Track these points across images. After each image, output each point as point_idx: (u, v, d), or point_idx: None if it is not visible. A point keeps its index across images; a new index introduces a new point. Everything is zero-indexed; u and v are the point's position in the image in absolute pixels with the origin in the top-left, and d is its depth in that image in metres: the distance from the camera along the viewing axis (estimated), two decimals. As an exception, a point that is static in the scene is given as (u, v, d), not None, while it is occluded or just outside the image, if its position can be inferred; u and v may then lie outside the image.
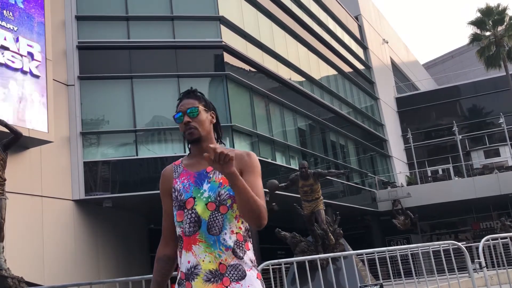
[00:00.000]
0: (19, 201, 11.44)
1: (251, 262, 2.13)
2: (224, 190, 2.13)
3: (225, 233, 2.09)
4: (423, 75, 49.34)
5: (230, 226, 2.11)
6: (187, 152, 2.34)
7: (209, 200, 2.12)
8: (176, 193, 2.19)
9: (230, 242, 2.09)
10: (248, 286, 2.06)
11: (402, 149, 35.55)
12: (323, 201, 10.99)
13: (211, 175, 2.17)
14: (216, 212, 2.10)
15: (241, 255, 2.10)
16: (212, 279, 2.04)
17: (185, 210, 2.13)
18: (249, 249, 2.15)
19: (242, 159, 2.20)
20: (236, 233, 2.12)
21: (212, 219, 2.10)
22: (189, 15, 16.77)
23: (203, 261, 2.06)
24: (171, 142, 15.74)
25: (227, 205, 2.12)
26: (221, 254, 2.07)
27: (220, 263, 2.06)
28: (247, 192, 2.01)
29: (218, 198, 2.11)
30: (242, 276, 2.07)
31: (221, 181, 2.14)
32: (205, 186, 2.15)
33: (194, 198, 2.13)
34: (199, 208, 2.11)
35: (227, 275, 2.05)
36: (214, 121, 2.32)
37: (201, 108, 2.26)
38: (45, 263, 12.42)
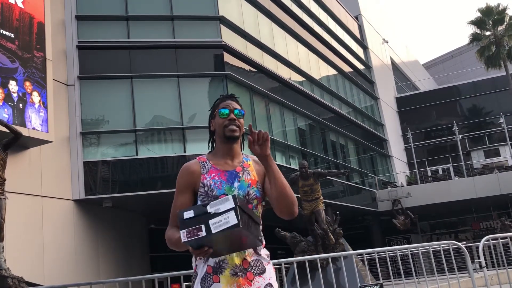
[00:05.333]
0: (19, 201, 11.43)
1: (267, 256, 2.33)
2: (253, 190, 2.32)
3: None
4: (423, 75, 49.32)
5: None
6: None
7: None
8: (206, 188, 2.29)
9: None
10: (269, 279, 2.25)
11: (402, 149, 35.55)
12: (323, 201, 11.00)
13: (240, 175, 2.33)
14: None
15: (259, 251, 2.30)
16: (239, 273, 2.20)
17: None
18: (263, 246, 2.35)
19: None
20: None
21: None
22: (189, 15, 16.76)
23: (229, 255, 2.20)
24: (171, 142, 15.73)
25: (253, 204, 2.28)
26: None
27: (244, 258, 2.23)
28: (281, 176, 2.20)
29: (247, 197, 2.28)
30: (263, 270, 2.26)
31: (250, 181, 2.30)
32: (236, 185, 2.30)
33: (226, 195, 2.21)
34: None
35: (250, 269, 2.23)
36: (243, 131, 2.44)
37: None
38: (45, 263, 12.41)
